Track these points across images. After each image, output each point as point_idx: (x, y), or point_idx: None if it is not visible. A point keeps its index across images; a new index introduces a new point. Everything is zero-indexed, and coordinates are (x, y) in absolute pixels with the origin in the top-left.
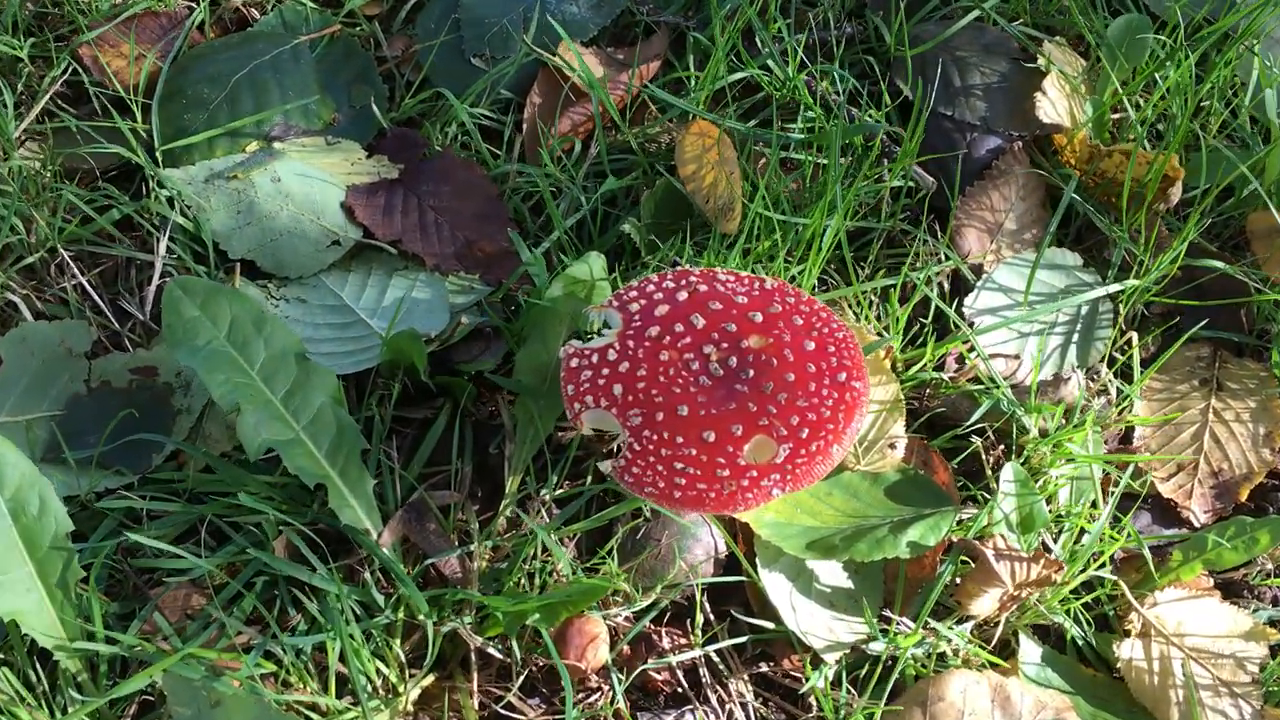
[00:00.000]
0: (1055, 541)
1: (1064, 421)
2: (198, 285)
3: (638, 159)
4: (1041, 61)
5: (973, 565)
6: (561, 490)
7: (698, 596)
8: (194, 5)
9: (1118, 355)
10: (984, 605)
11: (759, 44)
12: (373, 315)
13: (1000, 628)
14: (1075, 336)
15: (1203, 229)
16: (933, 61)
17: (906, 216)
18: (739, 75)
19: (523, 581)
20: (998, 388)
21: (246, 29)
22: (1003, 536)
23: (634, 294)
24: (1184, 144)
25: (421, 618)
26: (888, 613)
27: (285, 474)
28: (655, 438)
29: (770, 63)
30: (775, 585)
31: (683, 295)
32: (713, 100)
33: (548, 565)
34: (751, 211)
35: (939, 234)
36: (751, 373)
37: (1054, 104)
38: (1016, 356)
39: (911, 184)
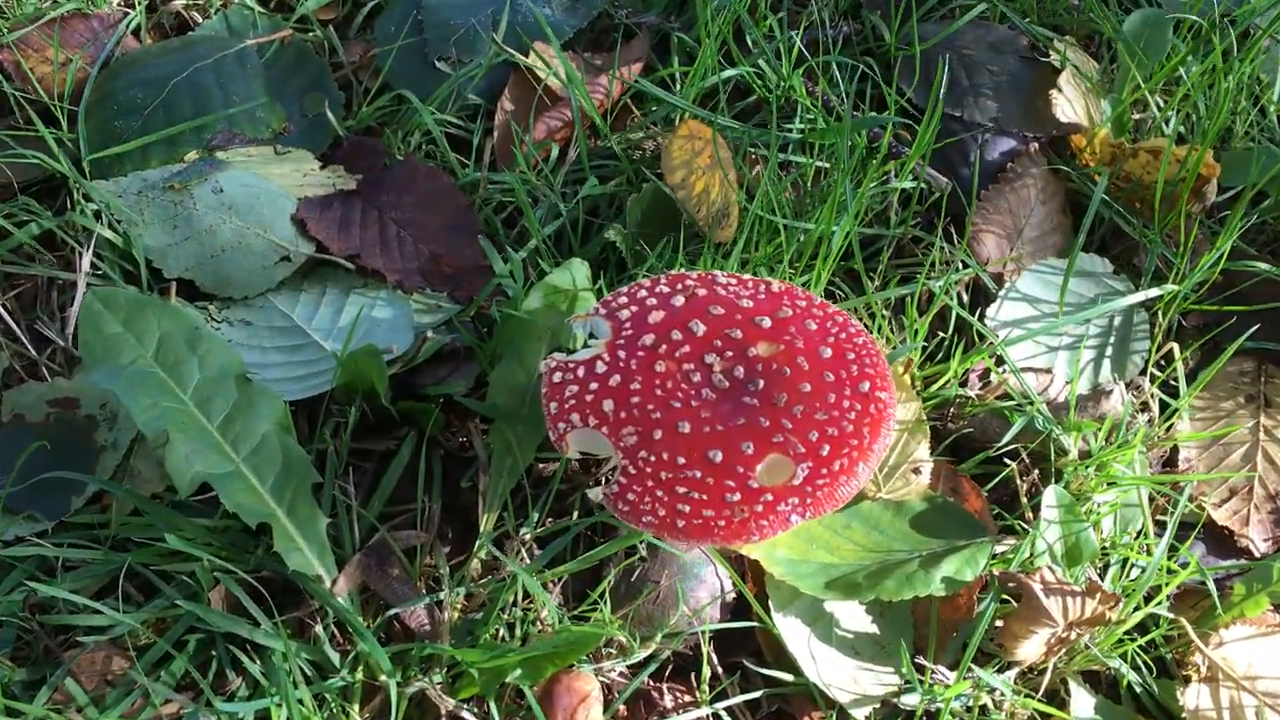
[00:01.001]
0: (1103, 576)
1: (1107, 440)
2: (120, 297)
3: (621, 165)
4: (1055, 58)
5: (1015, 604)
6: (544, 528)
7: (703, 646)
8: (129, 10)
9: (1156, 371)
10: (1030, 649)
11: (750, 44)
12: (327, 337)
13: (1048, 675)
14: (1109, 350)
15: (1240, 231)
16: (937, 61)
17: (918, 223)
18: (730, 73)
19: (501, 633)
20: (1031, 404)
21: (187, 34)
22: (1050, 569)
23: (624, 300)
24: (1215, 141)
25: (384, 678)
26: (920, 660)
27: (227, 516)
28: (653, 459)
29: (762, 63)
30: (792, 631)
31: (679, 300)
32: (700, 105)
33: (530, 613)
34: (750, 215)
35: (955, 240)
36: (762, 383)
37: (1071, 103)
38: (1048, 371)
39: (924, 185)
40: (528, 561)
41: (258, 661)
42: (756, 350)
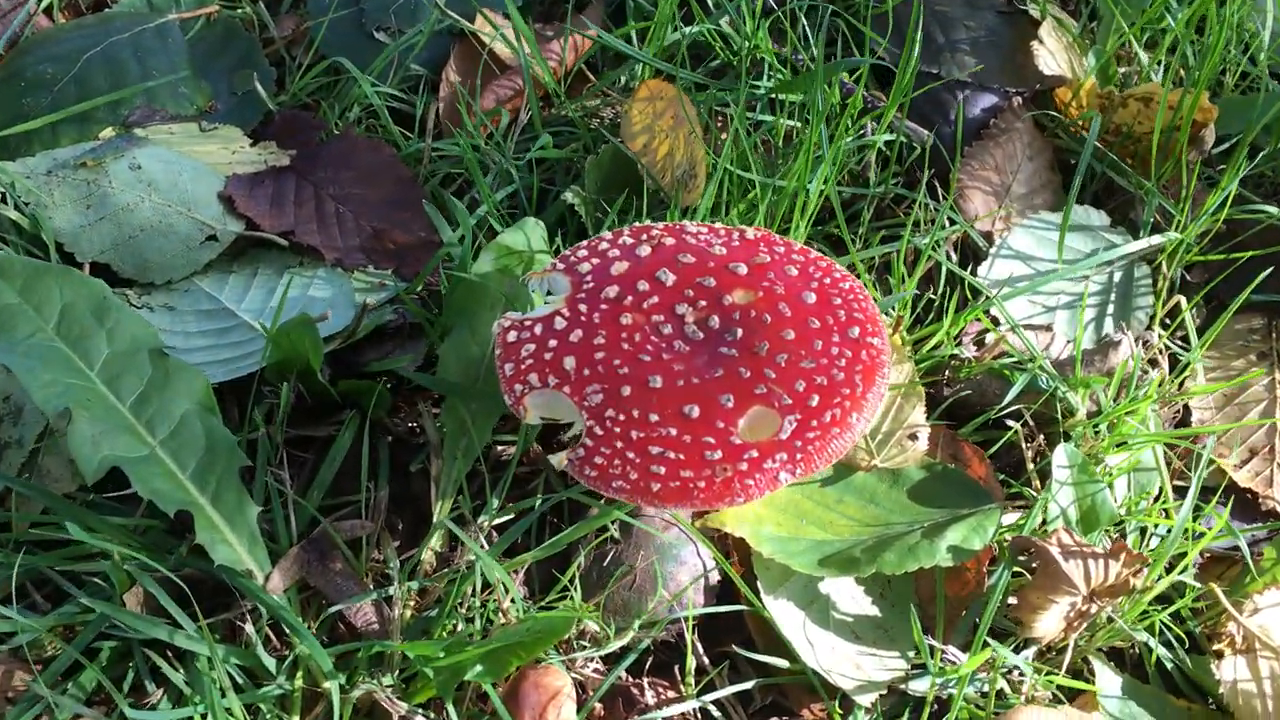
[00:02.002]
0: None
1: (1117, 396)
2: (16, 264)
3: (579, 133)
4: (1034, 9)
5: (1029, 576)
6: (506, 516)
7: (687, 633)
8: None
9: (1160, 330)
10: (1049, 623)
11: (711, 4)
12: (258, 318)
13: (1068, 653)
14: (1111, 308)
15: (1240, 180)
16: (909, 18)
17: (898, 181)
18: (692, 29)
19: (459, 627)
20: (1033, 361)
21: (104, 11)
22: (1067, 531)
23: (584, 253)
24: (1208, 85)
25: (327, 684)
26: (930, 641)
27: (150, 515)
28: (622, 418)
29: (724, 23)
30: (784, 615)
31: (645, 250)
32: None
33: (491, 604)
34: (719, 170)
35: (939, 198)
36: (740, 332)
37: (1053, 55)
38: (1048, 328)
39: (904, 139)
40: (487, 548)
41: (181, 670)
42: (732, 298)
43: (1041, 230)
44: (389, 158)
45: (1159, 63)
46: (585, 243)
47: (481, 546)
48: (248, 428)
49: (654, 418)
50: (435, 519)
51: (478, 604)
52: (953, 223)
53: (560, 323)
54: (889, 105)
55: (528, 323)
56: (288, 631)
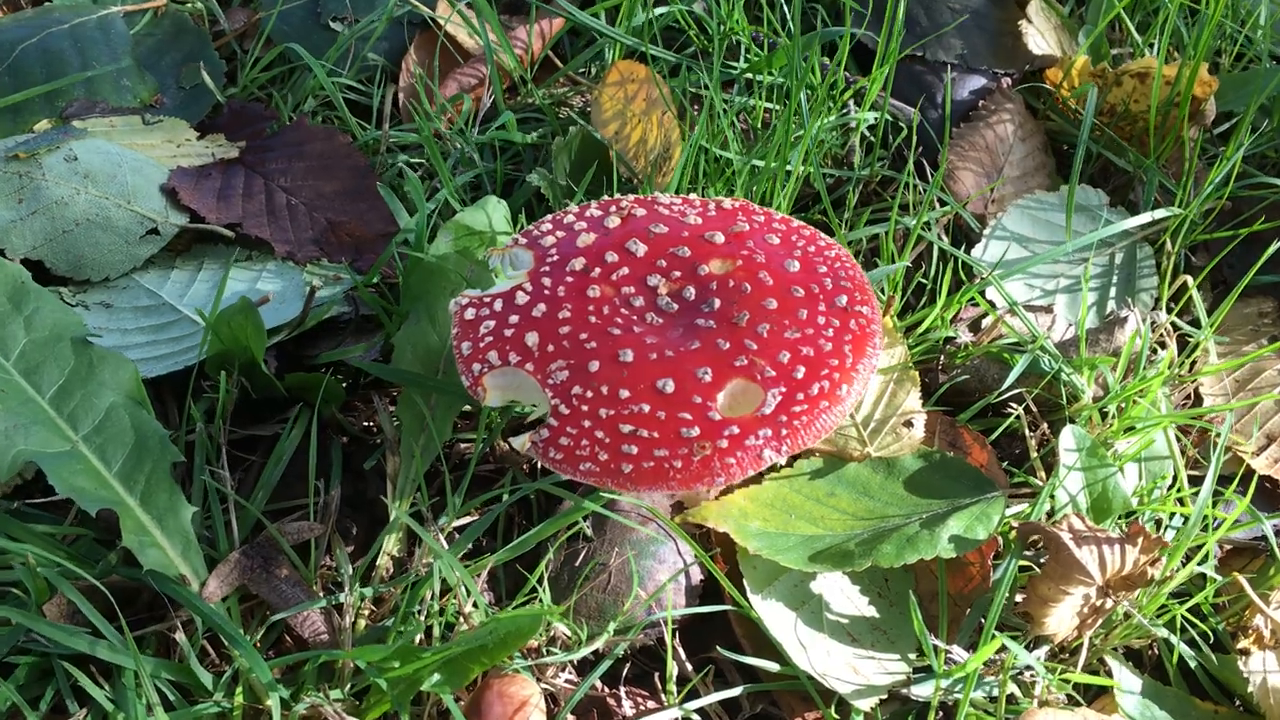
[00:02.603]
0: None
1: (1125, 376)
2: None
3: (548, 121)
4: None
5: (1037, 570)
6: (468, 517)
7: (667, 637)
8: None
9: (1165, 312)
10: (1061, 618)
11: None
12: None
13: (1083, 653)
14: (1113, 290)
15: (1241, 152)
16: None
17: (885, 163)
18: (662, 10)
19: (418, 636)
20: (1034, 341)
21: (44, 4)
22: (1078, 516)
23: (548, 226)
24: (1206, 57)
25: (269, 700)
26: (934, 641)
27: (85, 520)
28: (590, 395)
29: (697, 6)
30: (774, 616)
31: (613, 221)
32: (629, 54)
33: (451, 606)
34: (693, 145)
35: (928, 178)
36: (718, 303)
37: (1042, 34)
38: (1048, 309)
39: (889, 119)
40: (447, 548)
41: (106, 687)
42: (709, 268)
43: (1037, 210)
44: (344, 146)
45: (1150, 45)
46: (550, 216)
47: (442, 546)
48: (186, 425)
49: (625, 394)
50: (391, 519)
51: (436, 609)
52: (943, 204)
53: (522, 297)
54: (872, 80)
55: (487, 299)
56: (227, 645)
